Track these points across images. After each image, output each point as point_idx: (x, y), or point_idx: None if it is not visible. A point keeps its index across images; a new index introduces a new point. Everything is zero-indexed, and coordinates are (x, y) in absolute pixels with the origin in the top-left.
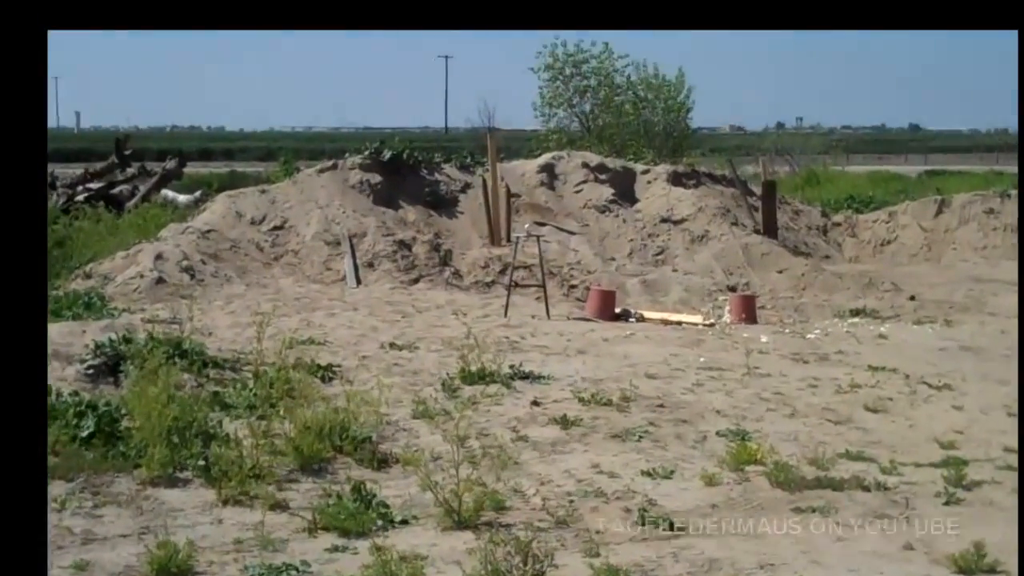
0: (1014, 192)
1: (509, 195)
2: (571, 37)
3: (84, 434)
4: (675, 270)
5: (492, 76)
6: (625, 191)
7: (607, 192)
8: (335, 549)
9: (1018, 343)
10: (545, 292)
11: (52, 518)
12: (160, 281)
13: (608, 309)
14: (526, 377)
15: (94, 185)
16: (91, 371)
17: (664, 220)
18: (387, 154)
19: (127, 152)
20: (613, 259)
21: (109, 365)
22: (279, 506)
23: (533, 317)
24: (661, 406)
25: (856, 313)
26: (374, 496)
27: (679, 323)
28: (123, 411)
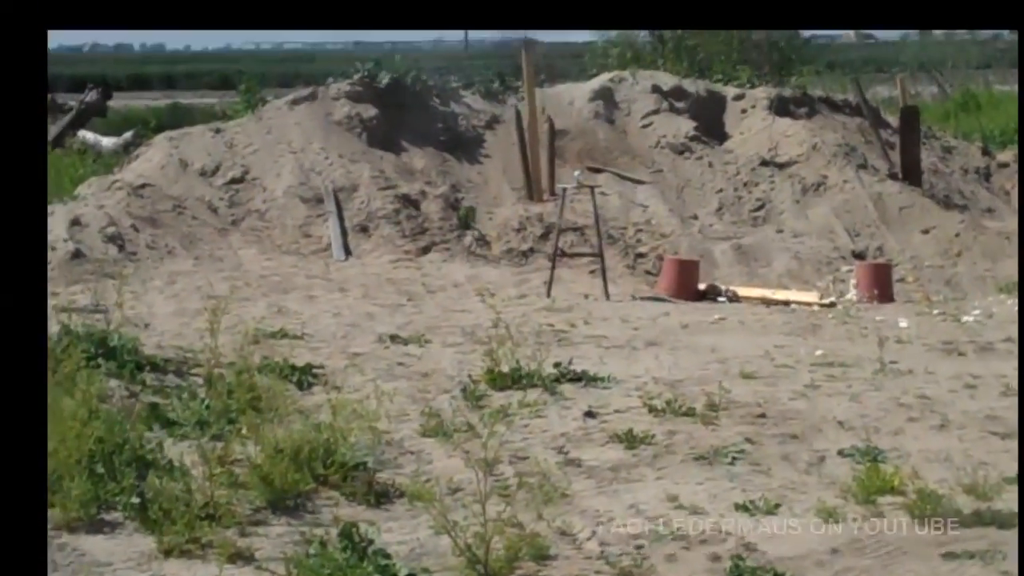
0: None
1: (553, 132)
2: None
3: None
4: (780, 231)
5: None
6: (711, 124)
7: (686, 126)
8: None
9: (1018, 337)
10: (603, 263)
11: None
12: (77, 255)
13: (689, 286)
14: (577, 379)
15: None
16: None
17: (765, 163)
18: (385, 78)
19: None
20: (695, 217)
21: None
22: (241, 557)
23: (586, 297)
24: (762, 416)
25: None
26: (371, 542)
27: (786, 303)
28: None
